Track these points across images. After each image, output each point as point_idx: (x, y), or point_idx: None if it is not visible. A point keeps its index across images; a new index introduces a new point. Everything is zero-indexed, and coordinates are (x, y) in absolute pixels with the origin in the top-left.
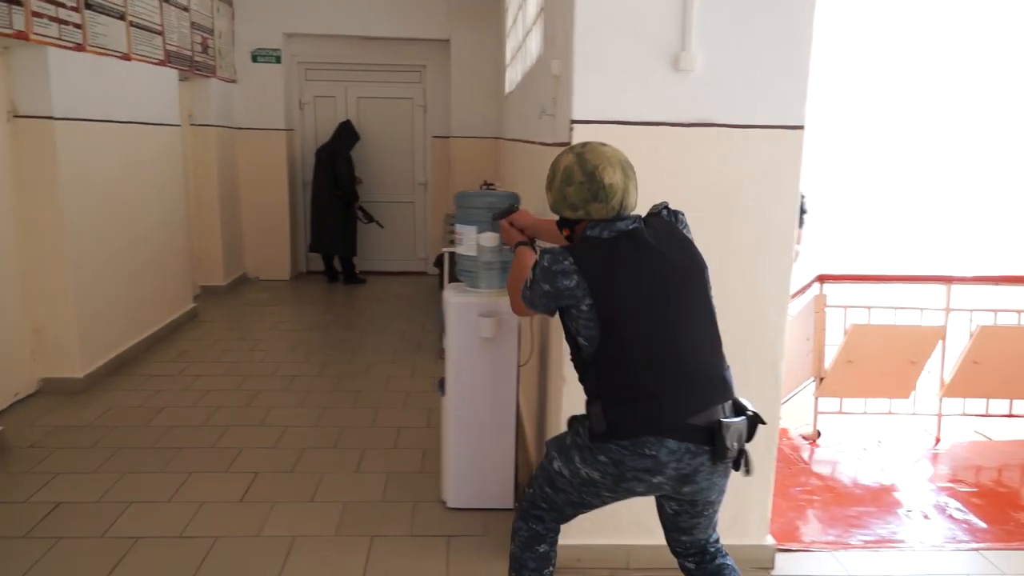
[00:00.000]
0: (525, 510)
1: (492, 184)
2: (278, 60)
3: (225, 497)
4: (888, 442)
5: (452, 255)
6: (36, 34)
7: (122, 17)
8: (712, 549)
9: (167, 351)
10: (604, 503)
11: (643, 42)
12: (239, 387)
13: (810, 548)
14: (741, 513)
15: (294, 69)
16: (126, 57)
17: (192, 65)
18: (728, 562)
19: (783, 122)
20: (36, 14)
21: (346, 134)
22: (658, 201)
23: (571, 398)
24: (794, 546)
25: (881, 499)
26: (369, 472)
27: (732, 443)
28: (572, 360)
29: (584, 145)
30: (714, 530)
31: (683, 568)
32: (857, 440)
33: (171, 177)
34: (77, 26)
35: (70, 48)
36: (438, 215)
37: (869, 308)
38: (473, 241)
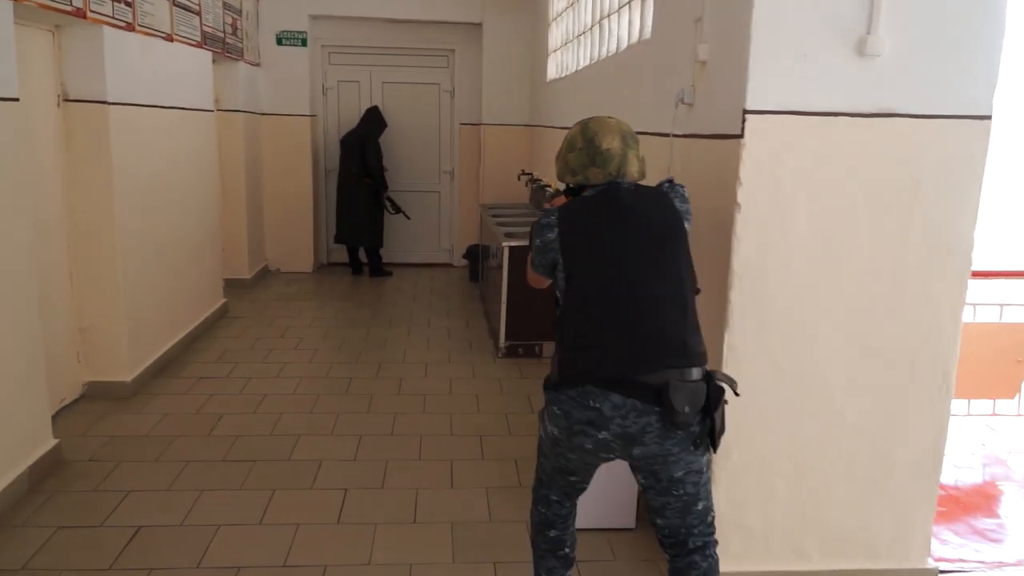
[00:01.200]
0: (533, 495)
1: (531, 173)
2: (304, 43)
3: (319, 518)
4: (992, 444)
5: (486, 247)
6: (93, 12)
7: None
8: (691, 545)
9: (208, 350)
10: (573, 467)
11: (825, 24)
12: (295, 390)
13: (968, 569)
14: (901, 536)
15: (318, 52)
16: (169, 38)
17: (224, 48)
18: (702, 563)
19: (970, 111)
20: None
21: (374, 120)
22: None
23: None
24: (948, 567)
25: (1007, 507)
26: (466, 487)
27: (682, 406)
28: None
29: (590, 118)
30: (704, 533)
31: (666, 560)
32: (961, 443)
33: (207, 166)
34: (128, 3)
35: (122, 28)
36: (465, 205)
37: (974, 306)
38: None
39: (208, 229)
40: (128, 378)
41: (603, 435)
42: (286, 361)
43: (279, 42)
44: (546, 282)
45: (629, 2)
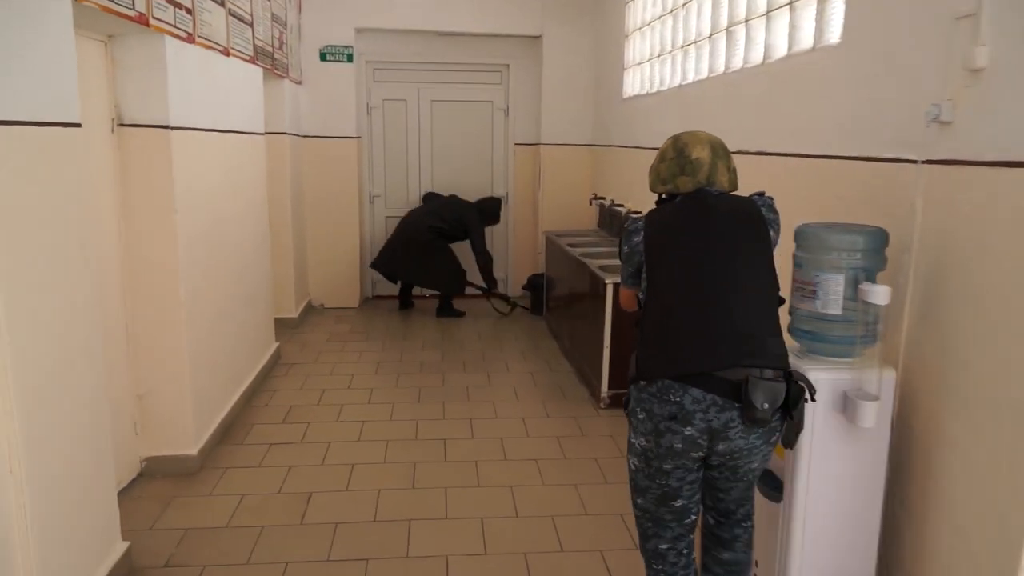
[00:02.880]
0: (644, 555)
1: (603, 198)
2: (350, 59)
3: None
4: None
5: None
6: (156, 19)
7: (222, 2)
8: (739, 515)
9: (271, 408)
10: (670, 480)
11: None
12: (385, 458)
13: None
14: None
15: (362, 69)
16: (225, 52)
17: (273, 64)
18: (743, 535)
19: None
20: None
21: (490, 212)
22: None
23: None
24: None
25: None
26: None
27: (761, 403)
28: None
29: (682, 132)
30: (750, 508)
31: (705, 524)
32: None
33: (260, 195)
34: (188, 11)
35: (183, 39)
36: (521, 231)
37: None
38: (837, 296)
39: (262, 266)
40: (194, 451)
41: (689, 431)
42: (363, 419)
43: (323, 58)
44: (636, 297)
45: (790, 3)
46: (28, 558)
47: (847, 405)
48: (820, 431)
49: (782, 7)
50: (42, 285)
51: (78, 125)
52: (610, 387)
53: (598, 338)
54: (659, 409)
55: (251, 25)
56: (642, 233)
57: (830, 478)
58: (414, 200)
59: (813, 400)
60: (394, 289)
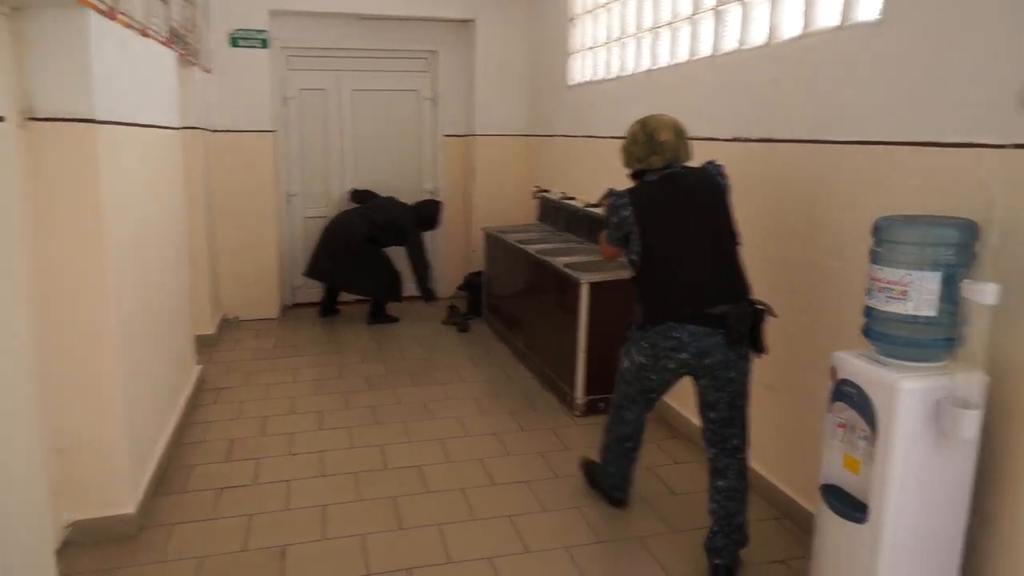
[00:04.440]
0: (613, 414)
1: (547, 191)
2: (264, 44)
3: None
4: None
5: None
6: None
7: None
8: (731, 445)
9: (211, 444)
10: (654, 385)
11: None
12: (360, 495)
13: None
14: None
15: (277, 56)
16: (144, 32)
17: (186, 48)
18: (736, 464)
19: None
20: None
21: (429, 216)
22: None
23: None
24: None
25: None
26: None
27: (739, 327)
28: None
29: (647, 116)
30: (739, 433)
31: (707, 459)
32: None
33: (177, 199)
34: None
35: (104, 14)
36: (453, 228)
37: None
38: (932, 296)
39: (182, 279)
40: (132, 508)
41: (683, 355)
42: (321, 449)
43: (234, 43)
44: (619, 254)
45: None
46: None
47: (943, 415)
48: (912, 445)
49: None
50: None
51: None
52: (587, 393)
53: (570, 342)
54: (663, 343)
55: (166, 2)
56: (630, 208)
57: (919, 494)
58: (335, 198)
59: (774, 316)
60: (316, 295)
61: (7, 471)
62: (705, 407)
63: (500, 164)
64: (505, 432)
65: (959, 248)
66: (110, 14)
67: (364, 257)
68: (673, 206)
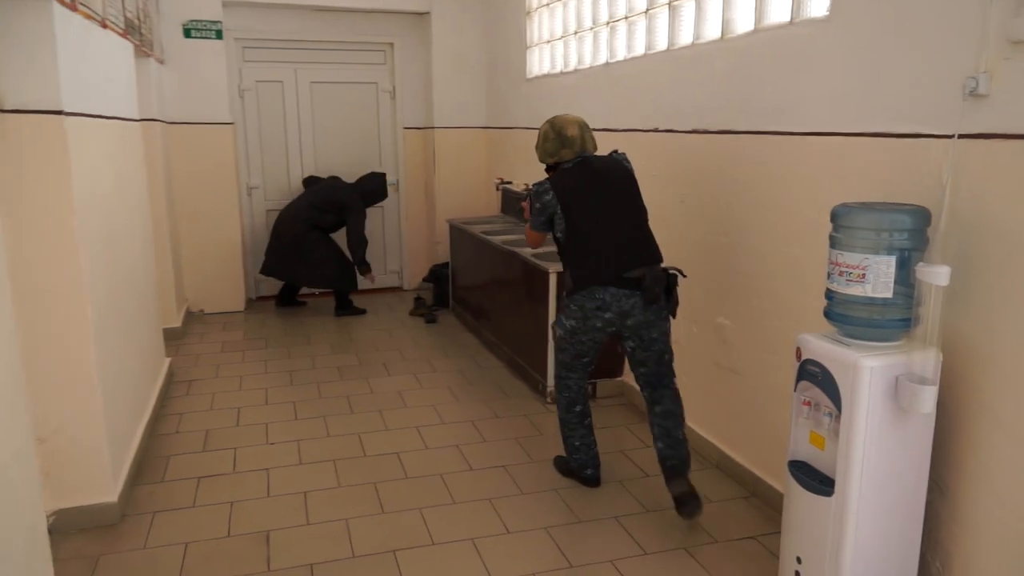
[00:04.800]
0: (557, 384)
1: (509, 182)
2: (219, 35)
3: None
4: None
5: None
6: None
7: None
8: (663, 384)
9: (186, 435)
10: (586, 348)
11: None
12: (340, 482)
13: None
14: None
15: (232, 48)
16: (103, 23)
17: (141, 39)
18: (669, 393)
19: None
20: None
21: (374, 190)
22: None
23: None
24: None
25: None
26: None
27: (654, 289)
28: (557, 251)
29: (554, 116)
30: (668, 374)
31: (644, 399)
32: None
33: (141, 192)
34: None
35: (67, 6)
36: (415, 220)
37: None
38: (888, 278)
39: (149, 272)
40: (114, 497)
41: (608, 315)
42: (298, 438)
43: (187, 34)
44: (543, 239)
45: None
46: None
47: (902, 391)
48: (874, 420)
49: None
50: None
51: None
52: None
53: (540, 331)
54: (589, 304)
55: None
56: (551, 193)
57: (880, 467)
58: (296, 190)
59: (684, 276)
60: (279, 288)
61: (20, 465)
62: (636, 364)
63: (461, 156)
64: (480, 419)
65: (912, 233)
66: (71, 5)
67: (310, 248)
68: (589, 187)
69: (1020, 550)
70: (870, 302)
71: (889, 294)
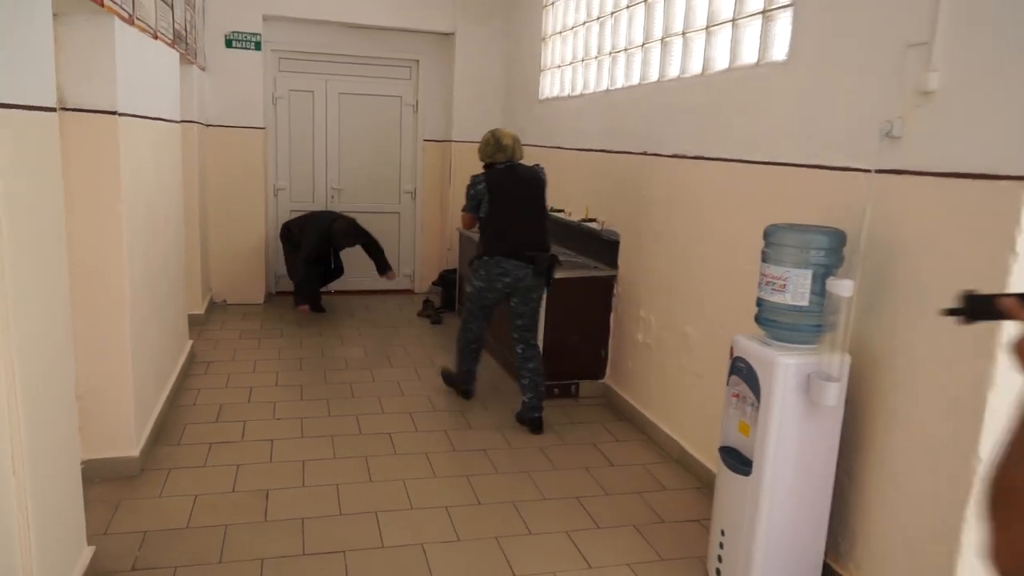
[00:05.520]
0: (463, 326)
1: None
2: (258, 47)
3: None
4: None
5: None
6: None
7: None
8: (533, 343)
9: (202, 407)
10: (490, 301)
11: None
12: (336, 454)
13: None
14: None
15: (268, 58)
16: (154, 35)
17: (186, 48)
18: (535, 357)
19: None
20: None
21: (336, 233)
22: None
23: None
24: None
25: None
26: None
27: (542, 265)
28: (478, 226)
29: (496, 128)
30: (536, 329)
31: (515, 356)
32: None
33: (178, 187)
34: None
35: (125, 20)
36: (429, 227)
37: None
38: (805, 289)
39: (179, 261)
40: (136, 452)
41: (507, 279)
42: (301, 416)
43: (228, 44)
44: (473, 220)
45: (732, 20)
46: (28, 560)
47: (811, 386)
48: (787, 410)
49: (723, 23)
50: (30, 279)
51: (53, 109)
52: (546, 379)
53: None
54: (495, 270)
55: (171, 7)
56: (483, 183)
57: (793, 452)
58: (320, 194)
59: (560, 263)
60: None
61: (47, 412)
62: (515, 317)
63: (476, 169)
64: (468, 410)
65: (829, 251)
66: (129, 20)
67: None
68: (512, 186)
69: (914, 531)
70: (790, 309)
71: (805, 303)
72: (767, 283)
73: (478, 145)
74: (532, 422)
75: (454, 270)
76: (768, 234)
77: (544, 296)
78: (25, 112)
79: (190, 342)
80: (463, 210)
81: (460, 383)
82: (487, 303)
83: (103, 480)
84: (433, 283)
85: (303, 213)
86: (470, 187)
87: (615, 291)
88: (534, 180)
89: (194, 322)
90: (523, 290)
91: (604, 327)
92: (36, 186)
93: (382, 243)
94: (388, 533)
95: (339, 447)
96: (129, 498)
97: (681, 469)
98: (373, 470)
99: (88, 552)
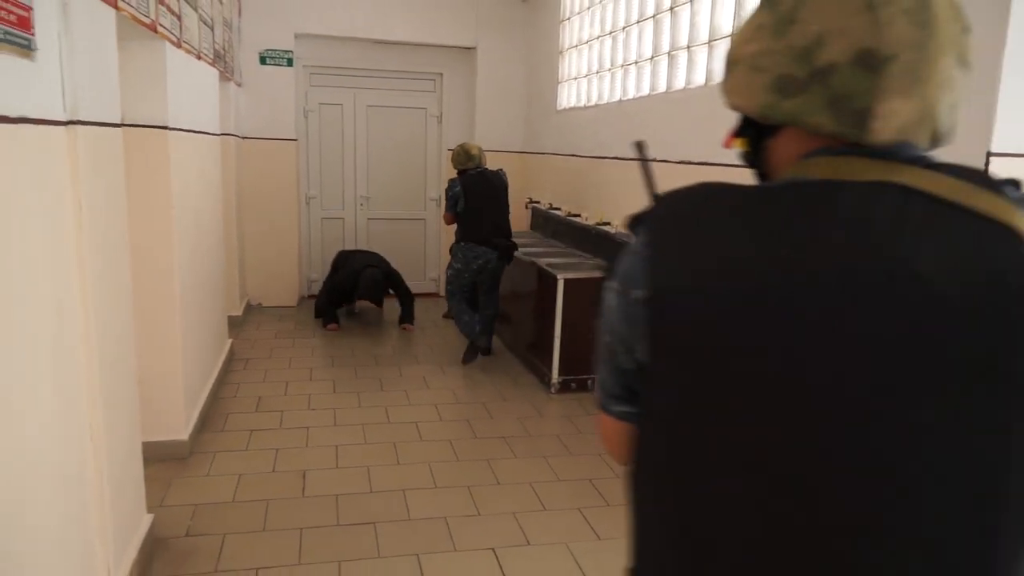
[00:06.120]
0: (450, 300)
1: (538, 202)
2: (290, 63)
3: None
4: None
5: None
6: (161, 26)
7: (196, 7)
8: (494, 299)
9: (239, 399)
10: (467, 281)
11: None
12: (367, 439)
13: None
14: None
15: (300, 73)
16: (198, 56)
17: (224, 67)
18: (492, 305)
19: None
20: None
21: (369, 289)
22: None
23: None
24: None
25: None
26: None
27: (506, 251)
28: (456, 220)
29: (464, 142)
30: (497, 290)
31: (480, 307)
32: None
33: (218, 195)
34: (178, 17)
35: (174, 44)
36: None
37: None
38: None
39: (220, 264)
40: (185, 436)
41: (480, 261)
42: (334, 407)
43: (263, 61)
44: (453, 218)
45: (730, 36)
46: (104, 516)
47: None
48: None
49: (724, 38)
50: (102, 276)
51: (118, 125)
52: (560, 374)
53: (548, 329)
54: (470, 253)
55: (212, 29)
56: (459, 187)
57: None
58: (349, 202)
59: (517, 248)
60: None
61: (116, 390)
62: (481, 284)
63: None
64: (490, 402)
65: None
66: (177, 43)
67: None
68: (482, 187)
69: None
70: None
71: None
72: None
73: (451, 154)
74: (482, 348)
75: None
76: None
77: (503, 271)
78: (99, 128)
79: (229, 341)
80: (445, 211)
81: (468, 335)
82: (465, 282)
83: (156, 461)
84: None
85: (357, 249)
86: (448, 190)
87: None
88: (499, 182)
89: (232, 323)
90: (490, 271)
91: None
92: (106, 194)
93: (409, 248)
94: (414, 507)
95: (369, 434)
96: (180, 477)
97: None
98: (401, 454)
99: (148, 519)
